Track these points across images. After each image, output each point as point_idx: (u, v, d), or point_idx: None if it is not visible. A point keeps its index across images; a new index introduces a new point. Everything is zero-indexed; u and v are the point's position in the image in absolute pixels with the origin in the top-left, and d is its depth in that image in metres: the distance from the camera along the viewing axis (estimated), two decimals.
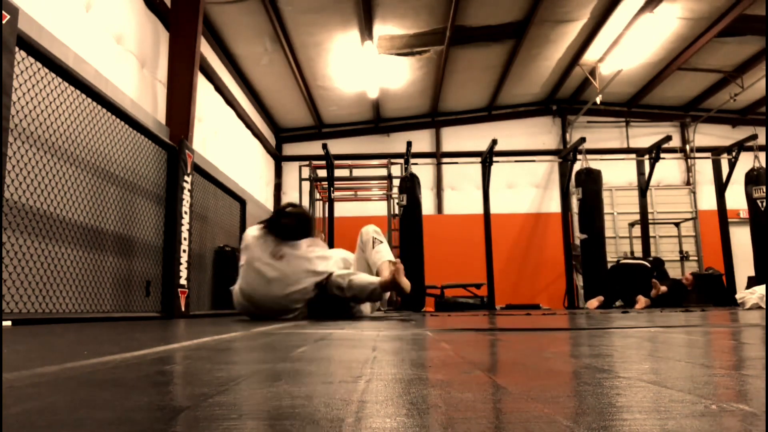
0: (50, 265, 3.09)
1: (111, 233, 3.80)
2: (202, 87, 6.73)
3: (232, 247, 6.15)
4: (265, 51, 7.69)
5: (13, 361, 0.99)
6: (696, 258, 10.62)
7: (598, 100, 9.47)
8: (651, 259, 7.50)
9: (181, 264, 4.59)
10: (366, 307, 3.77)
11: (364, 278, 3.48)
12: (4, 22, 2.44)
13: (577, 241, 8.48)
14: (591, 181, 7.65)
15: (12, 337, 1.70)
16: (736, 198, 8.65)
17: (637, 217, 9.19)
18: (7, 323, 2.58)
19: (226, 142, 7.71)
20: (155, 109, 5.30)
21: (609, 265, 7.53)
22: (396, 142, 10.66)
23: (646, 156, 8.39)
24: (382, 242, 3.77)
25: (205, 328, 2.27)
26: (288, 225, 3.51)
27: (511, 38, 8.05)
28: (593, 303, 6.82)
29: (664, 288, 6.61)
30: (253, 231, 3.60)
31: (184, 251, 4.66)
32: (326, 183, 8.00)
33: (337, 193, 8.68)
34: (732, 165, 8.14)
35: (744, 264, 8.31)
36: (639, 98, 10.53)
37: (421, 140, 10.90)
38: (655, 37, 8.08)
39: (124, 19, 4.83)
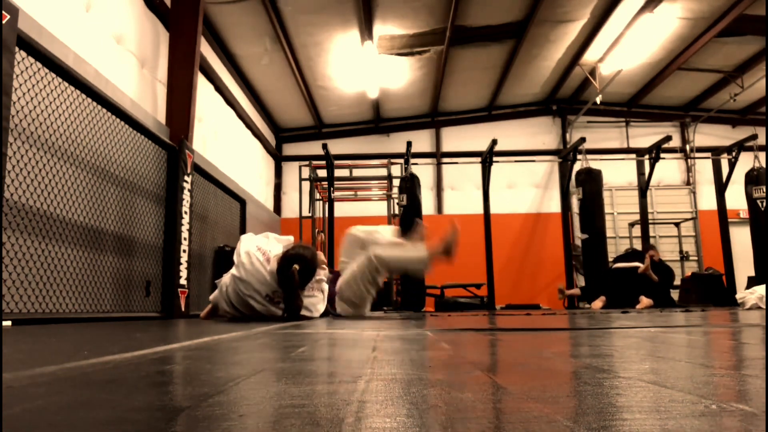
0: (50, 265, 3.09)
1: (111, 233, 3.80)
2: (202, 87, 6.72)
3: (232, 247, 6.13)
4: (265, 51, 7.69)
5: (13, 361, 0.99)
6: (696, 258, 10.62)
7: (598, 100, 9.47)
8: (637, 250, 7.44)
9: (181, 264, 4.59)
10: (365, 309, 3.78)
11: (405, 255, 3.53)
12: (4, 22, 2.44)
13: (578, 241, 8.47)
14: (591, 180, 7.65)
15: (12, 337, 1.70)
16: (736, 198, 8.65)
17: (637, 217, 9.19)
18: (7, 323, 2.58)
19: (226, 142, 7.71)
20: (155, 109, 5.30)
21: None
22: (396, 142, 10.66)
23: (646, 156, 8.39)
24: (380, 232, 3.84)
25: (205, 328, 2.27)
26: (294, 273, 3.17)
27: (511, 38, 8.05)
28: (597, 304, 6.81)
29: (648, 301, 6.56)
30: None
31: (184, 251, 4.66)
32: (326, 183, 8.00)
33: (337, 193, 8.68)
34: (732, 165, 8.14)
35: (744, 264, 8.31)
36: (639, 98, 10.53)
37: (421, 140, 10.90)
38: (655, 37, 8.08)
39: (124, 19, 4.83)
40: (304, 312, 3.20)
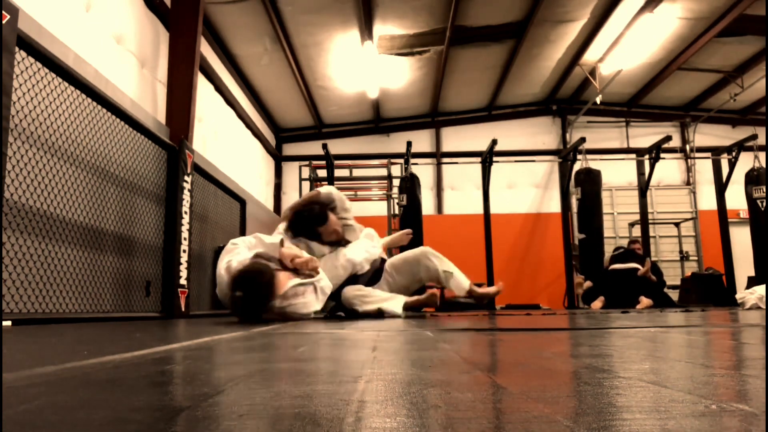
0: (50, 265, 3.09)
1: (111, 233, 3.80)
2: (202, 87, 6.72)
3: None
4: (265, 51, 7.69)
5: (13, 361, 0.99)
6: (696, 258, 10.62)
7: (598, 100, 9.47)
8: (631, 249, 7.43)
9: (181, 264, 4.59)
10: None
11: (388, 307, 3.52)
12: (4, 22, 2.44)
13: (577, 241, 8.45)
14: (590, 180, 7.65)
15: (12, 337, 1.70)
16: (736, 198, 8.65)
17: (637, 217, 9.19)
18: (7, 323, 2.58)
19: (226, 142, 7.71)
20: (155, 109, 5.30)
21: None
22: (396, 142, 10.66)
23: (646, 156, 8.39)
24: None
25: (205, 328, 2.26)
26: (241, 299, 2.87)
27: (511, 38, 8.05)
28: (597, 304, 6.80)
29: (648, 301, 6.55)
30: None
31: (184, 251, 4.65)
32: (326, 183, 8.00)
33: None
34: (732, 165, 8.14)
35: (744, 264, 8.30)
36: (639, 98, 10.53)
37: (421, 140, 10.90)
38: (655, 37, 8.08)
39: (124, 19, 4.83)
40: (291, 315, 3.03)
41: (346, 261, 3.55)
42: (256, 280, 2.82)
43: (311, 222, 3.63)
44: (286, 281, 3.02)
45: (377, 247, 3.84)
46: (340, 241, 3.73)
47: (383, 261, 3.93)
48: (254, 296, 2.80)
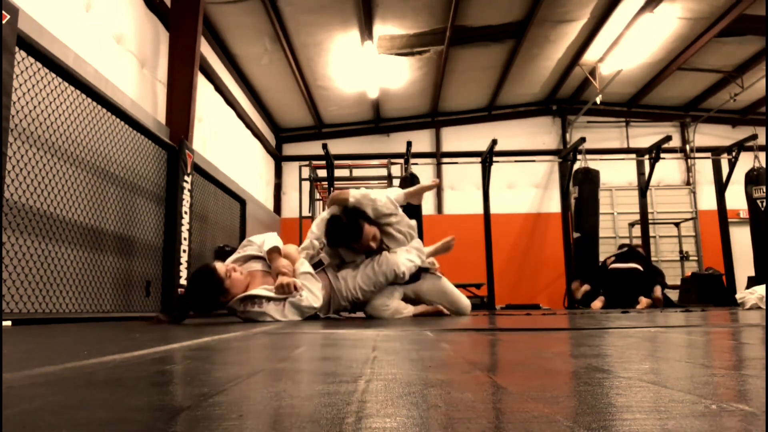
0: (50, 265, 3.09)
1: (111, 233, 3.80)
2: (202, 87, 6.72)
3: (232, 247, 6.13)
4: (265, 51, 7.69)
5: (13, 361, 0.99)
6: (696, 258, 10.62)
7: (598, 100, 9.47)
8: (634, 249, 7.42)
9: (181, 264, 4.59)
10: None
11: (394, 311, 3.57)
12: (4, 22, 2.44)
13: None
14: (587, 180, 7.64)
15: (12, 337, 1.70)
16: (736, 198, 8.64)
17: (637, 217, 9.18)
18: (7, 323, 2.58)
19: (226, 142, 7.71)
20: (155, 109, 5.30)
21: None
22: (396, 142, 10.66)
23: (646, 156, 8.38)
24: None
25: (205, 328, 2.26)
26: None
27: (511, 38, 8.05)
28: (597, 304, 6.80)
29: (648, 301, 6.54)
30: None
31: (184, 251, 4.66)
32: (326, 183, 8.00)
33: None
34: (732, 165, 8.13)
35: (744, 264, 8.30)
36: (639, 98, 10.53)
37: (421, 140, 10.90)
38: (655, 37, 8.08)
39: (124, 19, 4.83)
40: (248, 319, 3.07)
41: (388, 269, 3.49)
42: (199, 279, 3.06)
43: (345, 238, 3.52)
44: (254, 286, 3.14)
45: (421, 258, 3.79)
46: (380, 250, 3.65)
47: (419, 269, 3.88)
48: (196, 292, 3.04)
